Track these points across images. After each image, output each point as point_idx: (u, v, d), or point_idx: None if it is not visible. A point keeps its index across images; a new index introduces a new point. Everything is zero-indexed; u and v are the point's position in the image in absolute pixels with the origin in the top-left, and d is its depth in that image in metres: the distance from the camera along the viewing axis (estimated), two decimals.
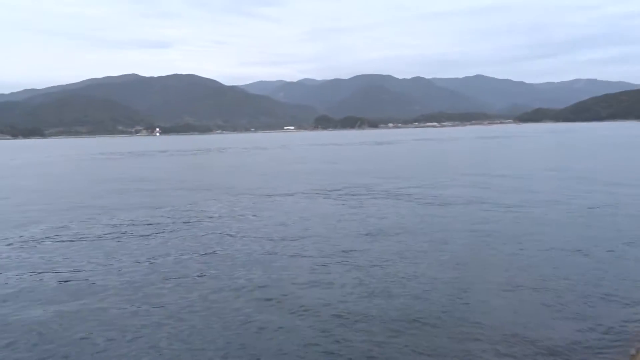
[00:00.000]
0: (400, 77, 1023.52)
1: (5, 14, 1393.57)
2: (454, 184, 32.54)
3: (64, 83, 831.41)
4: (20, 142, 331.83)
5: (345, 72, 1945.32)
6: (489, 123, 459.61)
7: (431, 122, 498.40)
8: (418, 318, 10.63)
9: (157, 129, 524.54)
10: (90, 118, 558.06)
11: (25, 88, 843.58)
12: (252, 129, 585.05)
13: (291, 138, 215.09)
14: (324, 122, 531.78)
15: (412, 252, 15.47)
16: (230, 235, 18.52)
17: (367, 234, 18.27)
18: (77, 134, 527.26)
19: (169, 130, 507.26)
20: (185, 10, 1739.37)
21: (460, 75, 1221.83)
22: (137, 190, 33.89)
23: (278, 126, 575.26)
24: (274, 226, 20.07)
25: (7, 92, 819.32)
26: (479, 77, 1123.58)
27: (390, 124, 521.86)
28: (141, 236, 18.68)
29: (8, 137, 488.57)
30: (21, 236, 19.60)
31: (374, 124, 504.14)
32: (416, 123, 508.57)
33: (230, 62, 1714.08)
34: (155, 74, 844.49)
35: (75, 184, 39.81)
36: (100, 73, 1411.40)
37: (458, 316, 10.70)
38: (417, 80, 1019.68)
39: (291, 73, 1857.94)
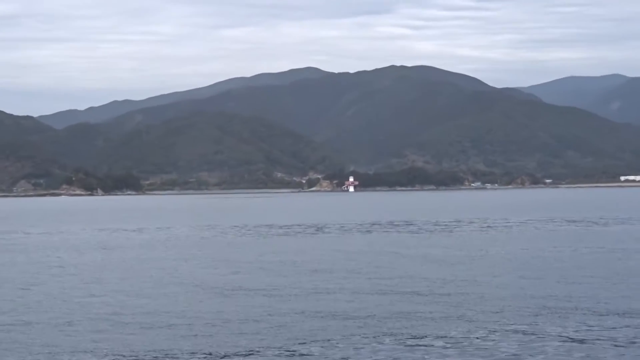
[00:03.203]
0: None
1: None
2: None
3: (180, 90, 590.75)
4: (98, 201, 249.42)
5: None
6: None
7: None
8: None
9: (351, 179, 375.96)
10: (222, 156, 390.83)
11: (115, 99, 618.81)
12: (548, 180, 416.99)
13: None
14: None
15: None
16: None
17: None
18: (199, 187, 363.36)
19: (369, 182, 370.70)
20: None
21: None
22: None
23: (603, 175, 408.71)
24: None
25: (83, 107, 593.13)
26: None
27: None
28: None
29: (80, 192, 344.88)
30: None
31: None
32: None
33: (504, 41, 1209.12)
34: (352, 69, 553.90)
35: None
36: (246, 70, 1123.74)
37: None
38: None
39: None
